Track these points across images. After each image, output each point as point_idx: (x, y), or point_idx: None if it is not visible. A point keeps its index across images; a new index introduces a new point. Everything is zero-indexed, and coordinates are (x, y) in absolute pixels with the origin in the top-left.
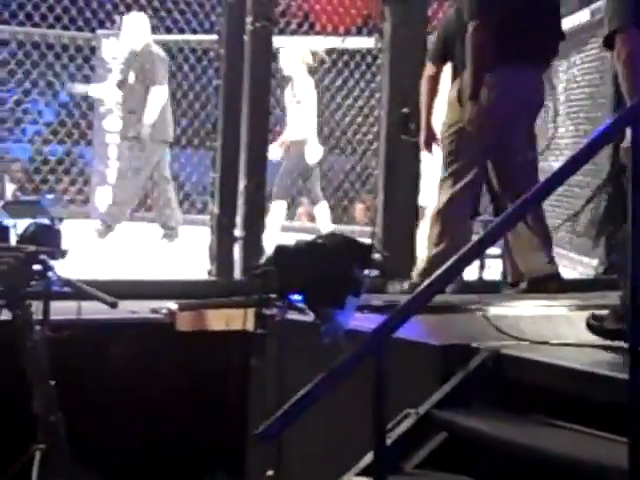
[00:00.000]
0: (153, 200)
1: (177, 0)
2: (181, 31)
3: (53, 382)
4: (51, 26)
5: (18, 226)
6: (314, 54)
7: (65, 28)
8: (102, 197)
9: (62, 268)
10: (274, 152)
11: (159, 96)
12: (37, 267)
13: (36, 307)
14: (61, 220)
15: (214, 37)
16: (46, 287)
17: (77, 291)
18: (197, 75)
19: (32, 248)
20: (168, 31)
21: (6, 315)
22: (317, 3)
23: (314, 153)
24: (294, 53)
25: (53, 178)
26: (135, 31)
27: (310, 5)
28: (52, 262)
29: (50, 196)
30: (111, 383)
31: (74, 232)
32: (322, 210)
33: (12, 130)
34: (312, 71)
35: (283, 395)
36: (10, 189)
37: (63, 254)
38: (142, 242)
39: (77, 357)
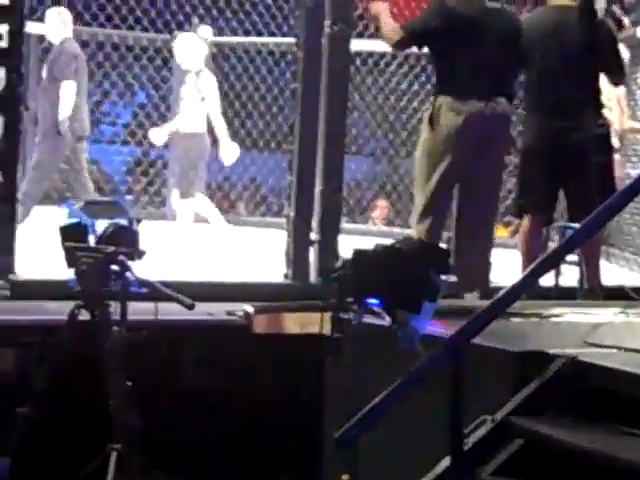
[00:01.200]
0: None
1: (255, 2)
2: (259, 34)
3: (130, 383)
4: (131, 28)
5: (97, 226)
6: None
7: (144, 30)
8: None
9: (140, 269)
10: (157, 137)
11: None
12: (115, 268)
13: (114, 308)
14: (139, 221)
15: (292, 40)
16: (124, 288)
17: (155, 292)
18: (274, 78)
19: (111, 249)
20: (246, 33)
21: (85, 315)
22: (395, 5)
23: (229, 153)
24: (194, 45)
25: (130, 179)
26: (53, 25)
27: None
28: (130, 263)
29: (128, 197)
30: (187, 385)
31: (151, 233)
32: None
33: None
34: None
35: (359, 400)
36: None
37: (141, 255)
38: (219, 244)
39: (154, 358)
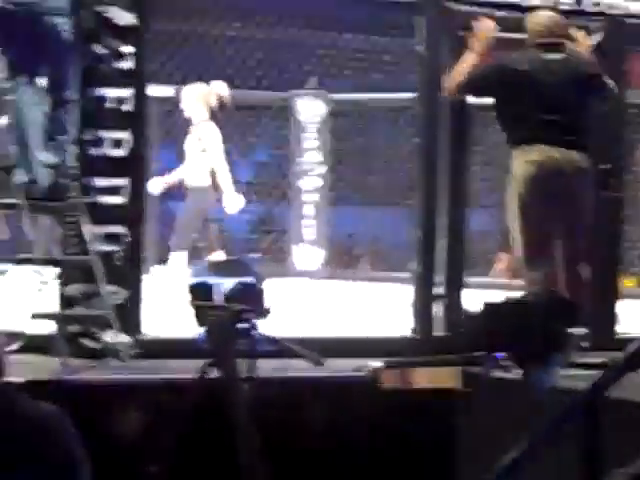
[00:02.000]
0: None
1: (374, 59)
2: (379, 90)
3: (258, 437)
4: (251, 87)
5: (224, 285)
6: (219, 97)
7: (265, 89)
8: (300, 256)
9: (266, 326)
10: (156, 186)
11: None
12: (243, 326)
13: (242, 365)
14: (264, 279)
15: (412, 96)
16: (251, 345)
17: (282, 349)
18: (394, 134)
19: (238, 307)
20: (366, 90)
21: (214, 373)
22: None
23: (233, 202)
24: (196, 94)
25: (254, 236)
26: None
27: None
28: (257, 320)
29: (254, 255)
30: (314, 441)
31: (275, 290)
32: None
33: None
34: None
35: (491, 454)
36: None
37: (267, 312)
38: (343, 299)
39: (282, 414)
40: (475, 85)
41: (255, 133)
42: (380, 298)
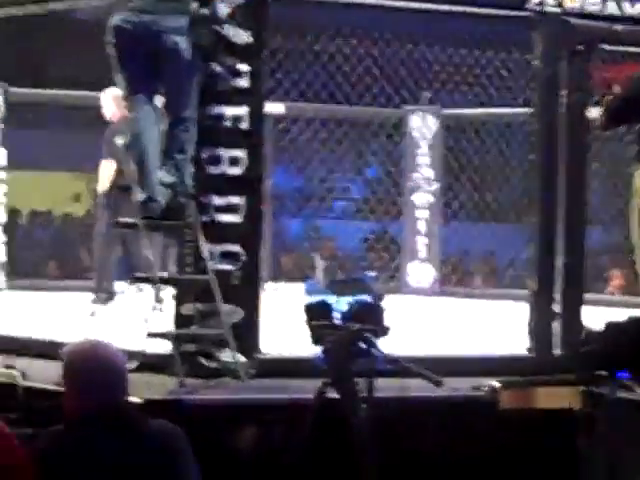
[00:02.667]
0: None
1: (491, 74)
2: (494, 105)
3: (377, 457)
4: (355, 103)
5: (341, 304)
6: None
7: (369, 105)
8: (413, 273)
9: (385, 345)
10: None
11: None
12: (362, 345)
13: (361, 384)
14: (382, 297)
15: (528, 111)
16: (370, 365)
17: (401, 369)
18: (509, 149)
19: (357, 326)
20: (482, 105)
21: (332, 392)
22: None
23: None
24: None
25: (365, 255)
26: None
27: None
28: (376, 339)
29: (371, 273)
30: (432, 461)
31: (389, 308)
32: None
33: (322, 208)
34: None
35: (615, 478)
36: (322, 266)
37: (386, 331)
38: (453, 317)
39: (401, 434)
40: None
41: (369, 149)
42: (494, 316)
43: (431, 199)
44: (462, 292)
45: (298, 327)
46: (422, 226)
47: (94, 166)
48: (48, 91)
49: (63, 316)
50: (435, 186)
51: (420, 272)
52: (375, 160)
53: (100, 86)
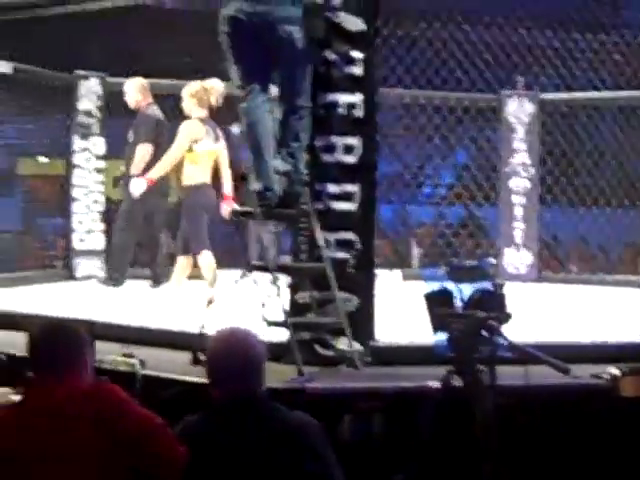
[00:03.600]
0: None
1: (589, 58)
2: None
3: (501, 445)
4: (452, 89)
5: (463, 291)
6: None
7: (466, 90)
8: (510, 259)
9: (506, 332)
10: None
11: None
12: (485, 332)
13: (484, 372)
14: (502, 285)
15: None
16: (494, 352)
17: (524, 356)
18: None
19: (481, 314)
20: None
21: (457, 381)
22: None
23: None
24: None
25: (464, 240)
26: (131, 93)
27: None
28: (499, 327)
29: (490, 260)
30: (555, 449)
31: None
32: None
33: (415, 194)
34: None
35: None
36: (417, 253)
37: (508, 318)
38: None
39: (524, 422)
40: None
41: (466, 135)
42: (595, 301)
43: (528, 185)
44: (559, 278)
45: (400, 314)
46: (519, 212)
47: None
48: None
49: (178, 305)
50: (532, 172)
51: (517, 258)
52: (471, 146)
53: (194, 74)
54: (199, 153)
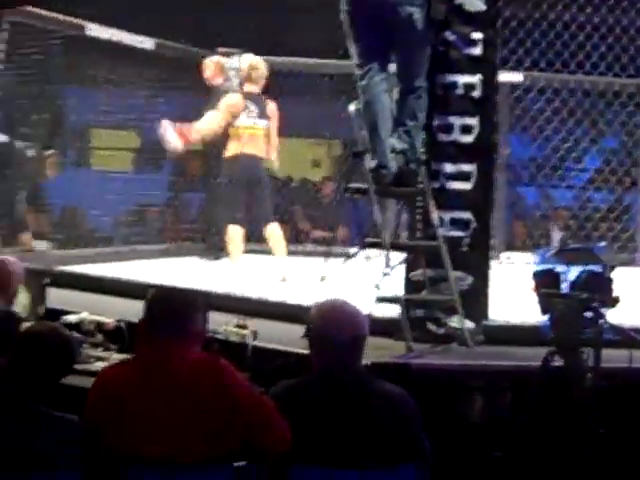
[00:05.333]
0: None
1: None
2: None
3: (602, 430)
4: (602, 74)
5: (570, 273)
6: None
7: (616, 75)
8: None
9: (614, 316)
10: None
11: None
12: (589, 314)
13: (587, 354)
14: (612, 268)
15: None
16: (598, 335)
17: (629, 340)
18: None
19: (585, 295)
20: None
21: (558, 361)
22: None
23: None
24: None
25: (604, 225)
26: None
27: None
28: (604, 309)
29: (602, 243)
30: None
31: (623, 280)
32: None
33: (561, 177)
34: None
35: None
36: (558, 236)
37: (615, 302)
38: None
39: (625, 405)
40: None
41: (606, 119)
42: None
43: None
44: None
45: (527, 296)
46: None
47: (333, 134)
48: (288, 59)
49: (292, 280)
50: None
51: None
52: (609, 130)
53: (334, 54)
54: (237, 127)
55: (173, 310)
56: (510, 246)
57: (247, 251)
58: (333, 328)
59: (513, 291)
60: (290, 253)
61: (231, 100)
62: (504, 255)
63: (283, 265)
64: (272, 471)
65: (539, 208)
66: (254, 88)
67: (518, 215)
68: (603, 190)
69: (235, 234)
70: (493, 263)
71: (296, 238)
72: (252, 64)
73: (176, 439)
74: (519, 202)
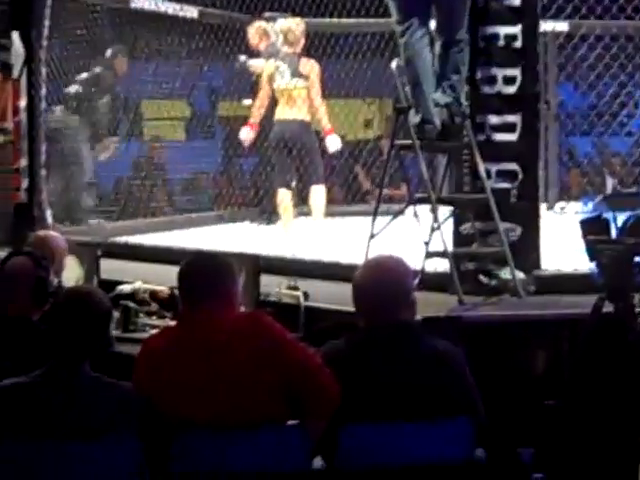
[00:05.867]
0: None
1: None
2: None
3: None
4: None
5: (618, 219)
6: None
7: None
8: None
9: None
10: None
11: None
12: (638, 259)
13: (638, 299)
14: None
15: None
16: None
17: None
18: None
19: (632, 240)
20: None
21: (609, 307)
22: None
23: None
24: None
25: None
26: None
27: None
28: None
29: None
30: None
31: None
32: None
33: (610, 124)
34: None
35: None
36: (610, 183)
37: None
38: None
39: None
40: None
41: None
42: None
43: None
44: None
45: (580, 244)
46: None
47: (385, 92)
48: (332, 20)
49: (342, 239)
50: None
51: None
52: None
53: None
54: (275, 91)
55: (205, 274)
56: (567, 195)
57: (301, 214)
58: (375, 284)
59: (566, 240)
60: (356, 213)
61: (256, 68)
62: (559, 205)
63: (317, 227)
64: (324, 430)
65: (595, 157)
66: (290, 50)
67: (574, 164)
68: None
69: (284, 198)
70: (549, 213)
71: (362, 198)
72: (286, 27)
73: (226, 400)
74: (574, 151)
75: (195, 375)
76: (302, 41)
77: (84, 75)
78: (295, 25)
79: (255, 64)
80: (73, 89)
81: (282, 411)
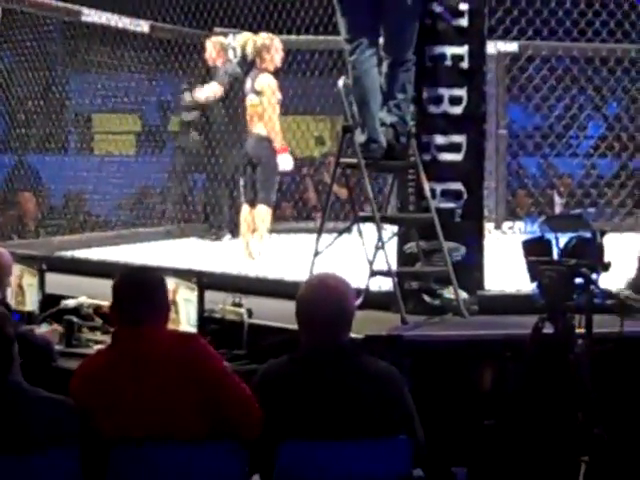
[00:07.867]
0: None
1: None
2: None
3: (595, 395)
4: (603, 40)
5: (560, 240)
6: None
7: (618, 41)
8: None
9: (605, 281)
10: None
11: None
12: (579, 280)
13: (578, 320)
14: (603, 233)
15: None
16: (588, 300)
17: (620, 304)
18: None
19: (573, 261)
20: None
21: (549, 328)
22: None
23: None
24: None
25: (609, 192)
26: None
27: None
28: (594, 276)
29: (591, 210)
30: None
31: (620, 246)
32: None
33: (555, 145)
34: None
35: None
36: (559, 203)
37: (606, 267)
38: None
39: (618, 371)
40: None
41: (607, 85)
42: None
43: None
44: None
45: (522, 265)
46: None
47: (335, 110)
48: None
49: (288, 256)
50: None
51: None
52: (612, 97)
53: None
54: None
55: (137, 291)
56: (514, 215)
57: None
58: (317, 303)
59: (511, 260)
60: (303, 230)
61: (205, 98)
62: (506, 224)
63: (254, 245)
64: (257, 450)
65: (542, 177)
66: (263, 65)
67: (521, 185)
68: (607, 157)
69: (246, 215)
70: (496, 233)
71: (309, 215)
72: (260, 44)
73: (156, 417)
74: (522, 172)
75: (128, 393)
76: (276, 57)
77: None
78: (269, 41)
79: (201, 95)
80: None
81: (205, 430)
